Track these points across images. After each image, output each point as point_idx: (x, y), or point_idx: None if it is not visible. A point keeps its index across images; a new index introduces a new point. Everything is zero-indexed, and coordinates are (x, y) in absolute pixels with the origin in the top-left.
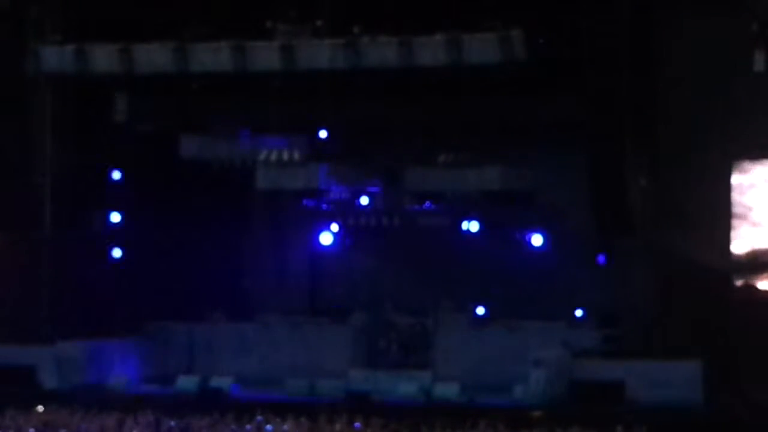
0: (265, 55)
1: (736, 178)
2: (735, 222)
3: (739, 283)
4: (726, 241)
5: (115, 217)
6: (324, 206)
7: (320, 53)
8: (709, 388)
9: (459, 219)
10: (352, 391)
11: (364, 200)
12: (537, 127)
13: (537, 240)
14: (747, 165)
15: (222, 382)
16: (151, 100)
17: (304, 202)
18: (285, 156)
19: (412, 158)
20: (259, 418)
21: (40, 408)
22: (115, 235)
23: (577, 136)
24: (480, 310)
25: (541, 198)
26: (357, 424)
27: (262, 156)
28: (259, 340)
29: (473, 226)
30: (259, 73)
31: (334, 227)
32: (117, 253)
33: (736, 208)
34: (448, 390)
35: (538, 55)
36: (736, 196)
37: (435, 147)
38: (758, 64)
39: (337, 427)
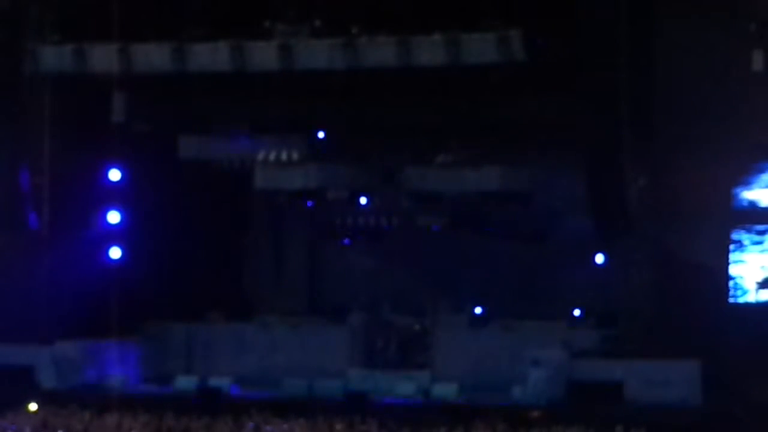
0: (264, 55)
1: None
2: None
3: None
4: (725, 240)
5: (114, 217)
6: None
7: (319, 53)
8: (708, 388)
9: (457, 219)
10: (351, 391)
11: (363, 200)
12: (535, 126)
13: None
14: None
15: (221, 382)
16: (149, 99)
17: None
18: (283, 156)
19: (411, 158)
20: (257, 418)
21: (34, 406)
22: (114, 235)
23: (576, 135)
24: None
25: (540, 198)
26: None
27: (260, 156)
28: (257, 340)
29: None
30: (257, 72)
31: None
32: (116, 253)
33: None
34: (446, 390)
35: (536, 54)
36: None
37: (433, 147)
38: (757, 64)
39: (336, 427)
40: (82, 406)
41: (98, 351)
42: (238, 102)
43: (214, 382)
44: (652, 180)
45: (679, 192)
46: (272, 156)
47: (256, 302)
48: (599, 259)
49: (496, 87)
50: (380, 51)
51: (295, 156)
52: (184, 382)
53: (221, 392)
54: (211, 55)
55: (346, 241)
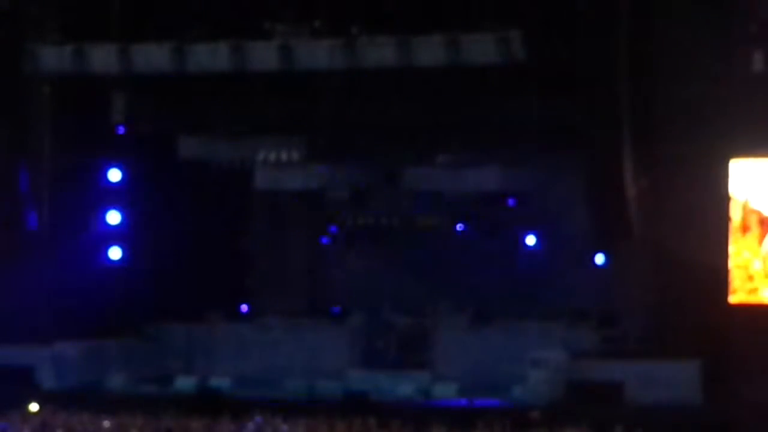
0: (264, 55)
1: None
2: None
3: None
4: (724, 240)
5: (114, 217)
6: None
7: (319, 53)
8: (707, 389)
9: (457, 219)
10: (351, 392)
11: (363, 200)
12: (535, 127)
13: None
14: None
15: (221, 382)
16: (149, 100)
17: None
18: (283, 156)
19: (411, 158)
20: (257, 419)
21: (34, 406)
22: (114, 236)
23: (576, 136)
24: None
25: (540, 198)
26: None
27: (260, 156)
28: (257, 340)
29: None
30: (257, 73)
31: None
32: (116, 253)
33: None
34: (446, 390)
35: (536, 55)
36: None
37: (433, 147)
38: (757, 64)
39: (336, 427)
40: (82, 406)
41: (98, 351)
42: (238, 102)
43: (214, 382)
44: (652, 180)
45: (678, 192)
46: (272, 156)
47: (256, 302)
48: (599, 259)
49: (496, 88)
50: (380, 51)
51: (295, 156)
52: (184, 382)
53: (221, 392)
54: (211, 55)
55: (346, 241)
